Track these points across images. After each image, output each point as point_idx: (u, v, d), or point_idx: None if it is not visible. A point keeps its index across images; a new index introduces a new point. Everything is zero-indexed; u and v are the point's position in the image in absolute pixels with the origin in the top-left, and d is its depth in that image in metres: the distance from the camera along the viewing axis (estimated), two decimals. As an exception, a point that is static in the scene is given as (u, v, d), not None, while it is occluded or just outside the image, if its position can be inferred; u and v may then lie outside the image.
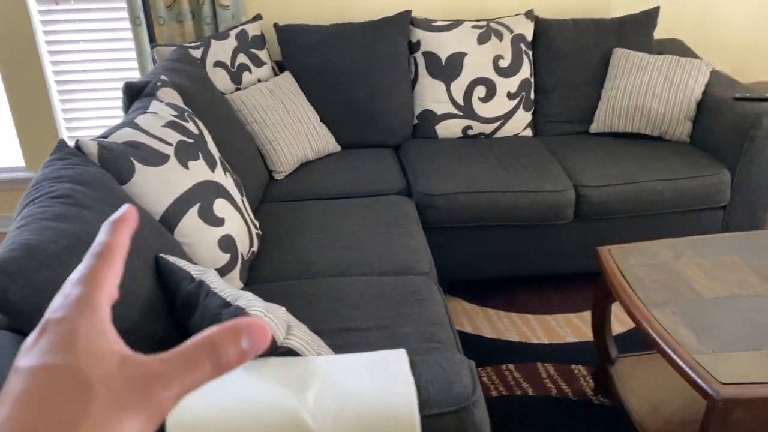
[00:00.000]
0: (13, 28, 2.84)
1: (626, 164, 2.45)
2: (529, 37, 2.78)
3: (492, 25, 2.74)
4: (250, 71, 2.62)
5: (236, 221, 1.77)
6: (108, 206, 1.32)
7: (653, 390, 1.87)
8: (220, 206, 1.73)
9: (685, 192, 2.36)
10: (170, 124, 1.74)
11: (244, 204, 1.89)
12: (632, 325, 2.35)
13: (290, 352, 1.19)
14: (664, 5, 3.02)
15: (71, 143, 1.51)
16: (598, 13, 3.01)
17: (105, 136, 1.62)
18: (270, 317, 1.15)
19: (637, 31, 2.80)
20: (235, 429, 1.01)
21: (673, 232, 2.38)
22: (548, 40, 2.78)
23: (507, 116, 2.74)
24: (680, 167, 2.40)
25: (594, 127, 2.77)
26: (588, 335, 2.31)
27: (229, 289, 1.22)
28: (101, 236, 0.33)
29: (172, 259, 1.33)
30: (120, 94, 3.03)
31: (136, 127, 1.66)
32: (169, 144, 1.67)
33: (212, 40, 2.55)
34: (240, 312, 1.12)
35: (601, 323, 1.96)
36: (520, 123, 2.78)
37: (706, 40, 3.10)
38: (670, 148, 2.56)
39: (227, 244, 1.71)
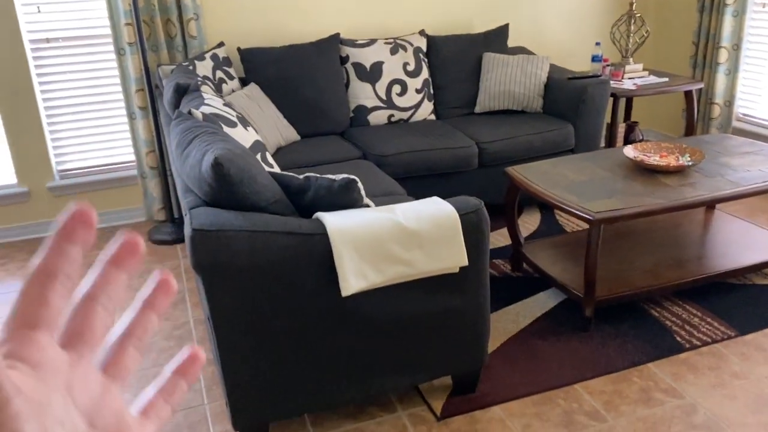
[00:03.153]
0: (11, 64, 3.40)
1: (505, 128, 3.54)
2: (425, 48, 3.83)
3: (398, 41, 3.76)
4: (227, 83, 3.40)
5: (277, 168, 2.58)
6: (231, 139, 2.11)
7: (551, 256, 2.92)
8: (269, 156, 2.53)
9: (546, 141, 3.50)
10: (226, 105, 2.53)
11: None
12: (532, 230, 3.41)
13: (367, 206, 2.05)
14: (511, 22, 4.22)
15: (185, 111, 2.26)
16: (465, 29, 4.15)
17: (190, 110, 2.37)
18: (360, 183, 2.01)
19: (496, 40, 3.96)
20: (365, 227, 1.86)
21: (543, 169, 3.49)
22: (437, 51, 3.85)
23: (417, 106, 3.75)
24: (541, 126, 3.54)
25: (477, 109, 3.86)
26: (495, 244, 3.33)
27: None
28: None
29: (279, 171, 2.14)
30: (99, 115, 3.67)
31: (209, 105, 2.44)
32: (232, 115, 2.47)
33: (195, 61, 3.31)
34: (348, 180, 1.96)
35: (512, 219, 2.98)
36: (426, 110, 3.80)
37: (540, 45, 4.35)
38: (531, 117, 3.71)
39: (277, 180, 2.51)
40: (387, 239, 1.87)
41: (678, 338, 2.53)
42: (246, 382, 1.90)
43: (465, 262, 1.94)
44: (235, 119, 2.45)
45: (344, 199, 1.98)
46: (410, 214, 1.93)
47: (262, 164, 2.13)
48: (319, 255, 1.84)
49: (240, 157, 1.88)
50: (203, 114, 2.28)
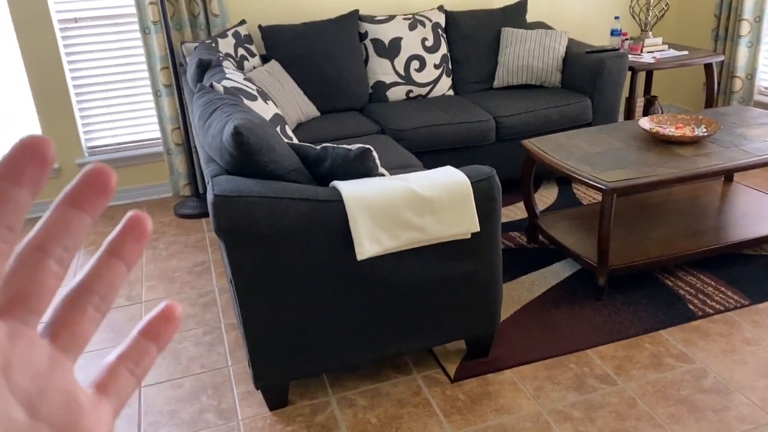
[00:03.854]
0: (40, 43, 3.51)
1: (523, 102, 3.57)
2: (443, 24, 3.85)
3: (417, 17, 3.79)
4: (248, 60, 3.47)
5: (296, 140, 2.66)
6: (251, 111, 2.18)
7: (566, 227, 2.96)
8: (288, 130, 2.60)
9: (564, 114, 3.52)
10: (246, 79, 2.60)
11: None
12: (548, 204, 3.45)
13: (382, 175, 2.12)
14: (529, -2, 4.23)
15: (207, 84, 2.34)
16: (484, 4, 4.16)
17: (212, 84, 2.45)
18: (375, 153, 2.07)
19: (515, 16, 3.97)
20: (380, 194, 1.92)
21: (560, 143, 3.51)
22: (456, 26, 3.87)
23: (435, 81, 3.79)
24: (559, 100, 3.56)
25: (495, 84, 3.89)
26: (512, 217, 3.38)
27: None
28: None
29: (297, 142, 2.21)
30: (126, 93, 3.77)
31: (230, 80, 2.51)
32: (252, 89, 2.54)
33: (218, 39, 3.38)
34: (364, 149, 2.02)
35: (527, 190, 3.02)
36: (445, 85, 3.84)
37: (559, 20, 4.35)
38: (549, 91, 3.72)
39: (297, 152, 2.58)
40: (400, 206, 1.94)
41: (691, 306, 2.57)
42: (267, 343, 1.99)
43: (477, 228, 2.00)
44: (255, 93, 2.52)
45: (360, 168, 2.04)
46: (423, 181, 1.99)
47: (281, 135, 2.21)
48: (336, 221, 1.91)
49: (259, 127, 1.95)
50: (224, 87, 2.36)
